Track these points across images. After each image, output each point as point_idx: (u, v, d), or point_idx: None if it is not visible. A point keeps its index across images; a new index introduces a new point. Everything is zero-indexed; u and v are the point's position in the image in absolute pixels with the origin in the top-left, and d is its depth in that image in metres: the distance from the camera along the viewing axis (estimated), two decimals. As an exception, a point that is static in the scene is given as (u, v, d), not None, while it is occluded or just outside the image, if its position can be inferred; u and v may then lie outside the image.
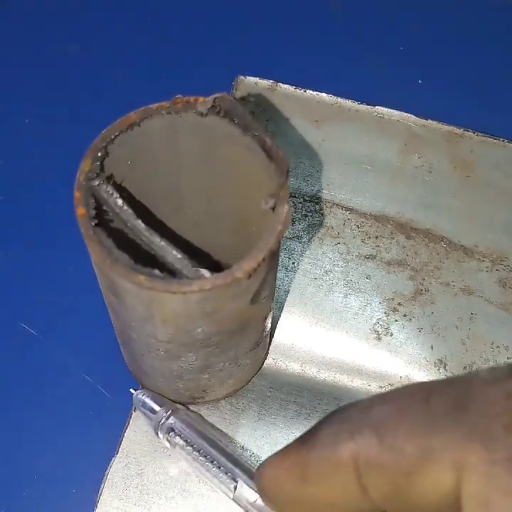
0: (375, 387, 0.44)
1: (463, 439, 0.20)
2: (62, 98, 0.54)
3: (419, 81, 0.55)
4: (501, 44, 0.57)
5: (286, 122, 0.51)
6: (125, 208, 0.30)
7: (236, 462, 0.38)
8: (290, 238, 0.47)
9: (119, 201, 0.30)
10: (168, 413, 0.40)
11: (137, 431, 0.42)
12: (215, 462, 0.38)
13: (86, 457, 0.43)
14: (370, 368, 0.45)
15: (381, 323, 0.45)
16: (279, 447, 0.41)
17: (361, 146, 0.51)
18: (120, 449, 0.42)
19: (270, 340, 0.44)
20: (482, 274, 0.47)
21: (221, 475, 0.38)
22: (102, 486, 0.41)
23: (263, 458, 0.41)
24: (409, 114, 0.52)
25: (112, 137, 0.31)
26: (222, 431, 0.42)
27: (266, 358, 0.44)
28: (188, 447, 0.39)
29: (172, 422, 0.40)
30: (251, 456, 0.42)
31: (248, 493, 0.37)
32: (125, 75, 0.54)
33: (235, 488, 0.37)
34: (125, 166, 0.32)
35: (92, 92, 0.53)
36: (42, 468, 0.42)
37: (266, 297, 0.33)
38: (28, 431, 0.43)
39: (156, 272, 0.28)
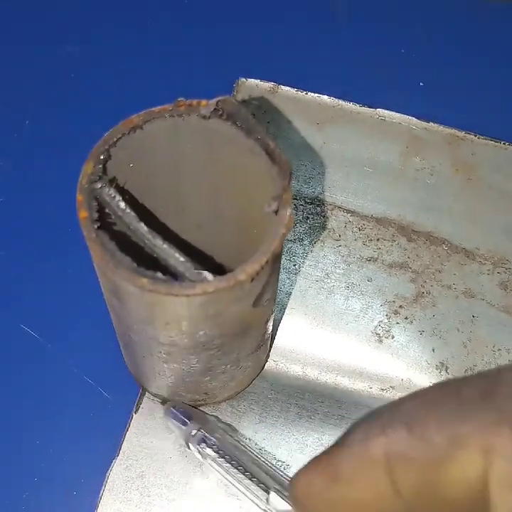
0: (376, 390, 0.44)
1: (490, 424, 0.21)
2: (64, 100, 0.53)
3: (421, 83, 0.55)
4: (503, 47, 0.57)
5: (288, 125, 0.51)
6: (128, 210, 0.30)
7: (268, 472, 0.38)
8: (291, 240, 0.47)
9: (122, 204, 0.30)
10: (199, 425, 0.40)
11: (138, 433, 0.42)
12: (247, 473, 0.38)
13: (87, 459, 0.42)
14: (372, 370, 0.45)
15: (382, 325, 0.45)
16: (281, 450, 0.42)
17: (363, 148, 0.51)
18: (121, 451, 0.42)
19: (271, 342, 0.44)
20: (483, 276, 0.47)
21: (253, 486, 0.38)
22: (103, 488, 0.41)
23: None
24: (410, 117, 0.52)
25: (115, 140, 0.31)
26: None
27: (267, 361, 0.44)
28: (220, 459, 0.39)
29: (203, 433, 0.40)
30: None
31: (280, 503, 0.36)
32: (126, 78, 0.54)
33: (267, 499, 0.37)
34: (127, 169, 0.32)
35: (93, 94, 0.53)
36: (42, 470, 0.42)
37: (268, 300, 0.33)
38: (29, 432, 0.43)
39: (159, 274, 0.28)
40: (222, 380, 0.39)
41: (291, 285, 0.46)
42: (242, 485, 0.38)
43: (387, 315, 0.46)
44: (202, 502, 0.41)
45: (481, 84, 0.55)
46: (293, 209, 0.48)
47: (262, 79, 0.53)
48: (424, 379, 0.44)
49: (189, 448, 0.40)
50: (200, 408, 0.43)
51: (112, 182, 0.31)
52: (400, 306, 0.46)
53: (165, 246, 0.30)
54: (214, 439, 0.39)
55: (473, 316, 0.46)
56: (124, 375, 0.43)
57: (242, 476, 0.38)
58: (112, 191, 0.30)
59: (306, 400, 0.44)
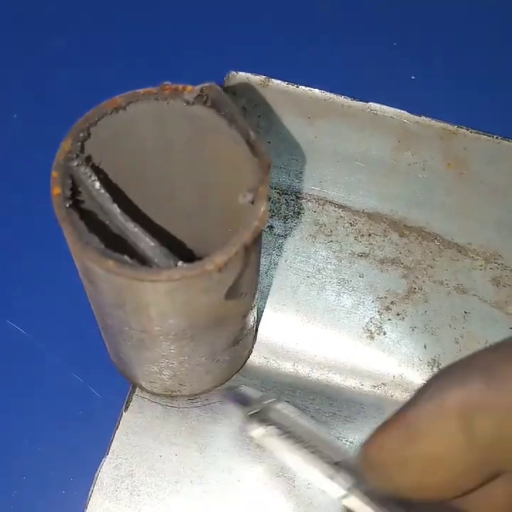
0: (368, 387, 0.44)
1: None
2: (51, 90, 0.53)
3: (413, 77, 0.55)
4: (495, 40, 0.57)
5: (279, 118, 0.51)
6: (102, 191, 0.29)
7: (331, 445, 0.36)
8: (282, 236, 0.47)
9: (97, 184, 0.29)
10: (264, 403, 0.38)
11: (128, 431, 0.42)
12: (311, 447, 0.36)
13: (76, 458, 0.42)
14: (363, 367, 0.44)
15: (374, 322, 0.45)
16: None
17: (354, 142, 0.51)
18: (110, 450, 0.41)
19: (255, 338, 0.44)
20: (476, 272, 0.47)
21: (319, 460, 0.36)
22: (92, 487, 0.40)
23: (253, 460, 0.41)
24: (402, 111, 0.51)
25: (96, 119, 0.30)
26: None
27: (249, 356, 0.44)
28: (283, 435, 0.37)
29: (269, 412, 0.37)
30: (242, 456, 0.41)
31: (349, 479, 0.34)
32: (115, 70, 0.54)
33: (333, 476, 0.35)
34: (110, 150, 0.32)
35: (81, 83, 0.53)
36: (31, 469, 0.42)
37: (244, 294, 0.32)
38: (18, 431, 0.43)
39: (126, 258, 0.27)
40: (198, 373, 0.39)
41: (282, 281, 0.46)
42: (308, 458, 0.36)
43: (378, 311, 0.45)
44: (192, 501, 0.40)
45: (474, 78, 0.55)
46: (283, 204, 0.48)
47: (253, 72, 0.52)
48: (416, 375, 0.44)
49: (247, 431, 0.37)
50: (176, 399, 0.42)
51: (89, 161, 0.30)
52: (392, 302, 0.45)
53: (136, 229, 0.29)
54: (276, 417, 0.37)
55: (465, 312, 0.45)
56: (114, 373, 0.43)
57: (306, 450, 0.36)
58: (88, 170, 0.30)
59: (297, 397, 0.43)
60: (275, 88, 0.52)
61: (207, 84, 0.30)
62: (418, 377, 0.44)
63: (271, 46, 0.55)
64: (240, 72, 0.52)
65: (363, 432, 0.42)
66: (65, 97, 0.52)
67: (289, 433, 0.37)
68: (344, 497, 0.31)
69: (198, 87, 0.30)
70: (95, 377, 0.44)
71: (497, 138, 0.51)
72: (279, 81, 0.52)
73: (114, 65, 0.54)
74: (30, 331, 0.45)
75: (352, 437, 0.42)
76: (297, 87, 0.52)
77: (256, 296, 0.36)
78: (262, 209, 0.28)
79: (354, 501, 0.31)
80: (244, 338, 0.39)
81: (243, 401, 0.39)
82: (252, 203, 0.29)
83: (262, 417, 0.37)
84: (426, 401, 0.25)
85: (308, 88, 0.52)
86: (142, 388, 0.42)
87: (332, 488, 0.32)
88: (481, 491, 0.26)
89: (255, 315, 0.39)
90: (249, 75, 0.52)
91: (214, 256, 0.28)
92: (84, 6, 0.57)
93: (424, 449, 0.25)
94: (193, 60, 0.54)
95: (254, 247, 0.29)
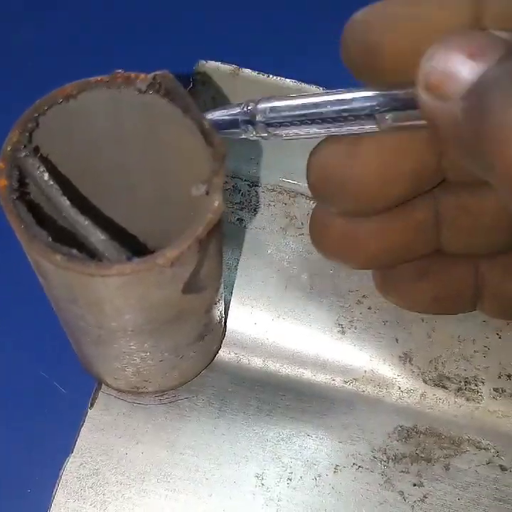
0: (339, 382, 0.43)
1: None
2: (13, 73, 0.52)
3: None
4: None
5: (250, 109, 0.50)
6: (50, 182, 0.29)
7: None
8: (252, 228, 0.46)
9: (46, 175, 0.29)
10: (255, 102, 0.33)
11: (93, 429, 0.41)
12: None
13: (41, 456, 0.41)
14: (334, 362, 0.43)
15: (345, 316, 0.44)
16: (240, 445, 0.41)
17: (327, 133, 0.50)
18: (75, 448, 0.40)
19: (223, 333, 0.43)
20: (449, 265, 0.46)
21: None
22: (56, 486, 0.40)
23: (221, 457, 0.40)
24: (376, 101, 0.51)
25: (45, 108, 0.29)
26: None
27: (217, 352, 0.43)
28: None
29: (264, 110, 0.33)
30: (210, 454, 0.41)
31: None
32: (79, 58, 0.53)
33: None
34: (60, 140, 0.31)
35: (46, 73, 0.52)
36: (-6, 468, 0.41)
37: (205, 288, 0.32)
38: (-20, 429, 0.42)
39: (75, 252, 0.27)
40: (163, 368, 0.38)
41: (252, 274, 0.45)
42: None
43: (349, 305, 0.45)
44: (159, 500, 0.40)
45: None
46: (254, 196, 0.47)
47: (223, 61, 0.51)
48: (388, 370, 0.43)
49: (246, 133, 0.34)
50: (143, 395, 0.41)
51: (37, 151, 0.29)
52: (363, 296, 0.45)
53: (86, 223, 0.28)
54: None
55: (437, 306, 0.45)
56: (80, 369, 0.42)
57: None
58: (36, 161, 0.29)
59: (267, 393, 0.42)
60: (246, 78, 0.51)
61: (159, 72, 0.29)
62: (390, 372, 0.43)
63: (242, 35, 0.54)
64: (210, 61, 0.51)
65: (334, 428, 0.42)
66: (21, 86, 0.51)
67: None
68: None
69: (150, 75, 0.29)
70: (61, 373, 0.43)
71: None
72: (250, 70, 0.51)
73: (79, 53, 0.53)
74: (-7, 327, 0.44)
75: (322, 434, 0.41)
76: (269, 76, 0.51)
77: (220, 290, 0.36)
78: (216, 201, 0.27)
79: None
80: (209, 333, 0.38)
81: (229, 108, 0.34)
82: (207, 194, 0.28)
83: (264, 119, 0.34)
84: None
85: (279, 78, 0.51)
86: (107, 385, 0.41)
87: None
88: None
89: (221, 309, 0.39)
90: (219, 64, 0.51)
91: (165, 250, 0.27)
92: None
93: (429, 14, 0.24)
94: (162, 49, 0.53)
95: (211, 240, 0.28)
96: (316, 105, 0.32)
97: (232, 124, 0.34)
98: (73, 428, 0.41)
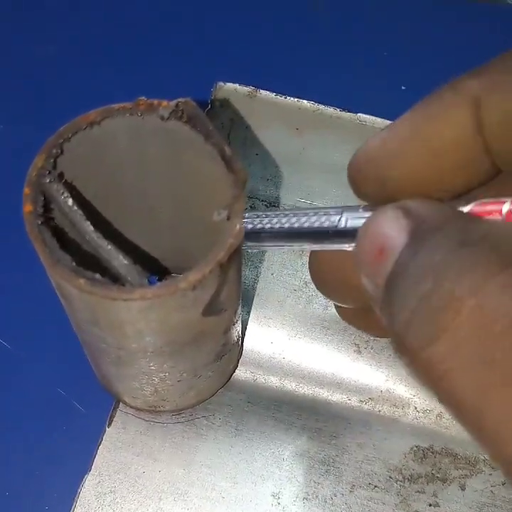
0: (355, 402, 0.43)
1: None
2: (34, 98, 0.52)
3: (403, 87, 0.54)
4: (487, 49, 0.56)
5: (267, 130, 0.50)
6: (75, 208, 0.29)
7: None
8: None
9: (70, 201, 0.29)
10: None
11: (111, 447, 0.41)
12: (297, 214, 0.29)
13: (59, 473, 0.42)
14: (351, 381, 0.44)
15: (361, 336, 0.44)
16: (257, 464, 0.41)
17: (343, 154, 0.50)
18: (93, 466, 0.41)
19: (240, 352, 0.43)
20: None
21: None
22: (74, 503, 0.40)
23: (238, 476, 0.41)
24: (391, 122, 0.51)
25: (70, 135, 0.30)
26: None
27: (234, 371, 0.43)
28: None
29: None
30: (226, 473, 0.41)
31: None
32: (101, 80, 0.53)
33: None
34: (84, 166, 0.31)
35: (66, 95, 0.52)
36: (14, 485, 0.41)
37: (225, 310, 0.32)
38: (0, 446, 0.42)
39: (98, 276, 0.27)
40: (180, 388, 0.38)
41: (269, 294, 0.45)
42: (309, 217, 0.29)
43: (366, 325, 0.45)
44: (176, 518, 0.40)
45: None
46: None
47: (240, 83, 0.52)
48: (404, 390, 0.43)
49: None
50: (161, 414, 0.42)
51: (62, 177, 0.30)
52: (380, 316, 0.45)
53: (109, 247, 0.29)
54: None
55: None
56: (98, 388, 0.42)
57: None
58: (61, 187, 0.29)
59: (283, 412, 0.43)
60: (263, 99, 0.51)
61: (182, 99, 0.30)
62: (406, 392, 0.43)
63: (259, 57, 0.55)
64: (228, 83, 0.51)
65: (350, 447, 0.42)
66: (44, 112, 0.52)
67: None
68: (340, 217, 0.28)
69: (173, 103, 0.30)
70: (80, 391, 0.43)
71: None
72: (267, 92, 0.51)
73: (100, 77, 0.54)
74: (13, 345, 0.45)
75: (338, 453, 0.42)
76: (285, 98, 0.51)
77: (238, 311, 0.36)
78: (237, 226, 0.28)
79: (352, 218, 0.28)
80: (227, 353, 0.38)
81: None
82: (228, 219, 0.28)
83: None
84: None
85: (296, 99, 0.51)
86: (125, 403, 0.42)
87: (327, 216, 0.29)
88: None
89: (239, 330, 0.39)
90: (237, 85, 0.51)
91: (188, 274, 0.27)
92: (73, 15, 0.56)
93: (431, 132, 0.24)
94: (180, 71, 0.54)
95: (231, 264, 0.29)
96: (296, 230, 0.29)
97: None
98: (91, 446, 0.41)
